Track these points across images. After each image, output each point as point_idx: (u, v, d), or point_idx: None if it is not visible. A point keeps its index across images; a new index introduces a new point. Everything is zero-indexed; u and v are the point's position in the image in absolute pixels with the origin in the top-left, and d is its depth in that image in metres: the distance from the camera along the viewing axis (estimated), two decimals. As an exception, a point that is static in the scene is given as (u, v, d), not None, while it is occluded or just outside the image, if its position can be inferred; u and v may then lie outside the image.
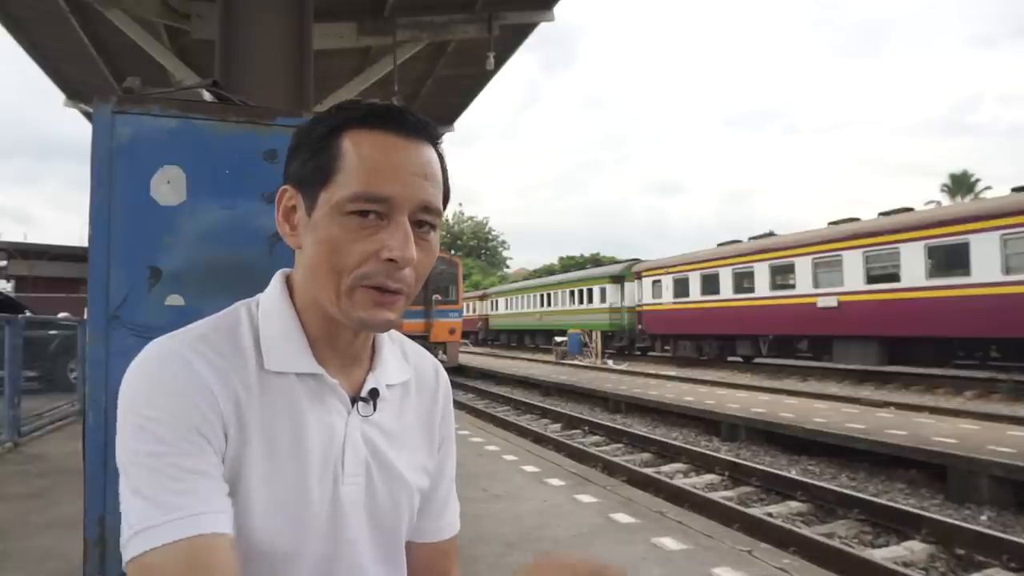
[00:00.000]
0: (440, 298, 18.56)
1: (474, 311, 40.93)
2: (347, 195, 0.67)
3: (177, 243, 1.81)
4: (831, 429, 7.58)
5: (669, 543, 3.61)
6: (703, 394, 11.41)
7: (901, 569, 4.09)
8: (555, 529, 3.91)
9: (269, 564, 0.68)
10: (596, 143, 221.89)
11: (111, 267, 1.77)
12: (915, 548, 4.62)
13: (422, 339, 17.48)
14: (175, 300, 1.80)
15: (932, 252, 13.47)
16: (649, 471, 7.06)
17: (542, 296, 32.42)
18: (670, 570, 3.25)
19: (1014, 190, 12.92)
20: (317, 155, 0.70)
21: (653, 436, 8.90)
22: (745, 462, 7.10)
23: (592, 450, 8.24)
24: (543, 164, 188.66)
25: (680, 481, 6.72)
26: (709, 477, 6.93)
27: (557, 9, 7.49)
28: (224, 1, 4.97)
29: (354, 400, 0.76)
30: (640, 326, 23.88)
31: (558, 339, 23.65)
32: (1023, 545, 4.29)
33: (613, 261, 40.58)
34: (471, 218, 68.58)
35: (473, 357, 25.33)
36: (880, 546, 4.82)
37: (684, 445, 8.25)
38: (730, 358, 19.91)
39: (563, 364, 20.50)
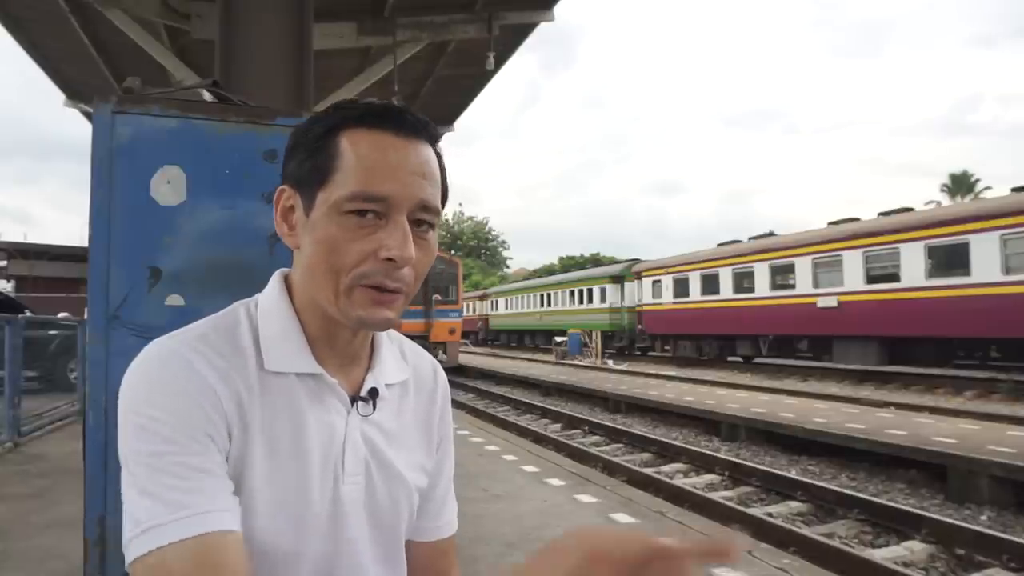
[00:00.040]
0: (440, 298, 18.56)
1: (474, 311, 40.93)
2: (345, 195, 0.67)
3: (177, 243, 1.81)
4: (831, 429, 7.58)
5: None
6: (703, 394, 11.41)
7: (901, 569, 4.09)
8: (555, 529, 3.90)
9: (270, 564, 0.68)
10: (596, 143, 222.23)
11: (111, 267, 1.77)
12: (915, 548, 4.62)
13: (422, 339, 17.47)
14: (175, 300, 1.80)
15: (932, 252, 13.47)
16: (649, 471, 7.06)
17: (542, 296, 32.42)
18: (670, 570, 3.24)
19: (1014, 190, 12.92)
20: (315, 155, 0.70)
21: (653, 436, 8.90)
22: (745, 462, 7.10)
23: (592, 450, 8.24)
24: (543, 164, 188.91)
25: (680, 481, 6.72)
26: (709, 477, 6.93)
27: (557, 9, 7.50)
28: (224, 1, 4.97)
29: (353, 400, 0.76)
30: (640, 326, 23.87)
31: (558, 339, 23.65)
32: (1023, 545, 4.29)
33: (613, 261, 40.57)
34: (471, 218, 68.64)
35: (473, 357, 25.33)
36: (880, 546, 4.82)
37: (684, 445, 8.25)
38: (730, 358, 19.91)
39: (563, 364, 20.50)
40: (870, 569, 4.11)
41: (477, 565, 3.23)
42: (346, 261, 0.67)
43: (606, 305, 26.14)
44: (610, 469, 7.05)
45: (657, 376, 15.31)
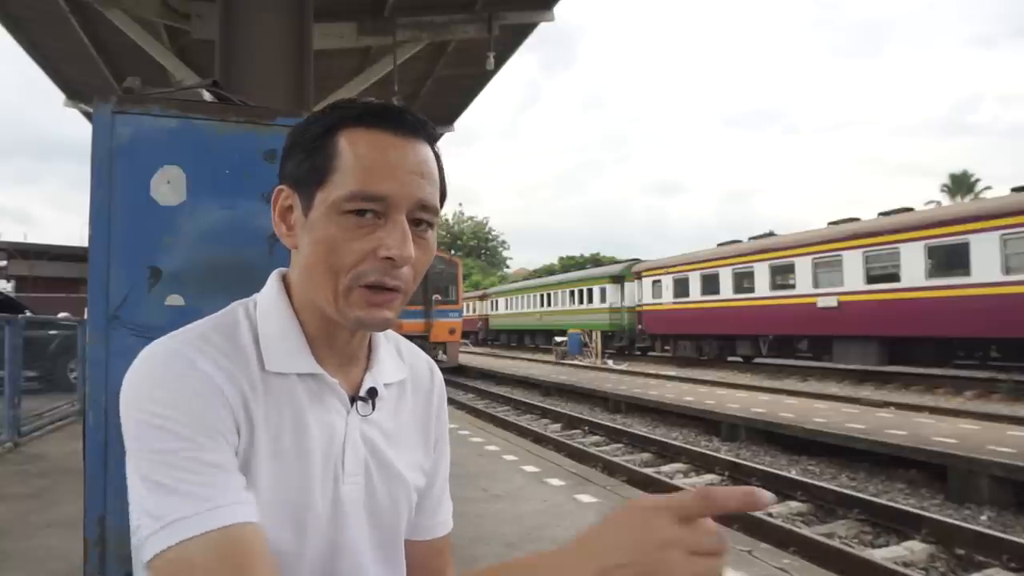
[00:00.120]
0: (440, 298, 18.56)
1: (474, 311, 40.92)
2: (344, 194, 0.67)
3: (177, 243, 1.81)
4: (831, 429, 7.58)
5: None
6: (703, 394, 11.41)
7: (901, 569, 4.09)
8: (555, 529, 3.91)
9: (270, 564, 0.68)
10: (596, 143, 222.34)
11: (111, 267, 1.77)
12: (915, 548, 4.62)
13: (422, 339, 17.48)
14: (175, 300, 1.80)
15: (932, 252, 13.47)
16: (649, 471, 7.06)
17: (542, 296, 32.42)
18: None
19: (1014, 190, 12.92)
20: (313, 155, 0.70)
21: (653, 436, 8.90)
22: (745, 462, 7.10)
23: (592, 450, 8.24)
24: (543, 164, 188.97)
25: (680, 481, 6.72)
26: (709, 477, 6.93)
27: (557, 9, 7.50)
28: (224, 1, 4.97)
29: (353, 399, 0.76)
30: (640, 326, 23.88)
31: (558, 339, 23.65)
32: (1023, 545, 4.29)
33: (613, 261, 40.57)
34: (471, 218, 68.66)
35: (473, 357, 25.33)
36: (880, 546, 4.82)
37: (684, 445, 8.25)
38: (730, 358, 19.91)
39: (563, 364, 20.50)
40: (870, 569, 4.11)
41: (477, 565, 3.23)
42: (345, 261, 0.67)
43: (606, 305, 26.14)
44: (610, 469, 7.05)
45: (657, 376, 15.31)
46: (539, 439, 8.91)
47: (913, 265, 13.78)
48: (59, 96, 9.64)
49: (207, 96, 2.08)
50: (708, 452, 7.69)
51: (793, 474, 6.71)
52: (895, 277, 14.22)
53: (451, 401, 13.81)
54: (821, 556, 4.20)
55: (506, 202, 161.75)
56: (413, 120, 0.71)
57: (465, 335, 32.60)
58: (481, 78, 9.20)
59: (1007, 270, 11.97)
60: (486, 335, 40.38)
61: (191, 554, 0.58)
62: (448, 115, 10.62)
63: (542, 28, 7.79)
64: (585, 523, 4.03)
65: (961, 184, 40.88)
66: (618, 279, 25.94)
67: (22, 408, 6.68)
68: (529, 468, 5.62)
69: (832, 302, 15.62)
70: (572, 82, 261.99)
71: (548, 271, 53.76)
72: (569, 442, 8.76)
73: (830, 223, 16.97)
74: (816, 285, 16.26)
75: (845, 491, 5.78)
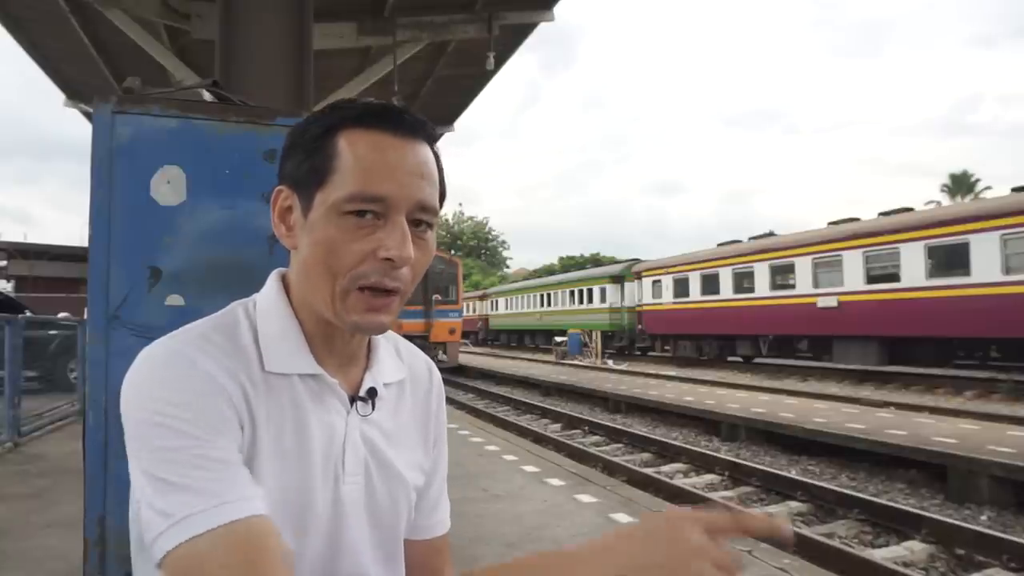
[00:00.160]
0: (440, 298, 18.57)
1: (474, 311, 40.93)
2: (343, 196, 0.67)
3: (177, 243, 1.81)
4: (831, 429, 7.58)
5: (669, 543, 3.60)
6: (703, 394, 11.41)
7: (901, 569, 4.09)
8: (555, 529, 3.91)
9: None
10: (596, 143, 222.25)
11: (111, 267, 1.77)
12: (915, 548, 4.62)
13: (422, 339, 17.48)
14: (175, 300, 1.80)
15: (932, 252, 13.47)
16: (649, 471, 7.06)
17: (542, 296, 32.42)
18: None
19: (1014, 190, 12.92)
20: (312, 155, 0.69)
21: (653, 436, 8.90)
22: (745, 462, 7.10)
23: (592, 450, 8.24)
24: (543, 164, 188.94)
25: (680, 481, 6.72)
26: (709, 477, 6.93)
27: (557, 9, 7.50)
28: (224, 1, 4.98)
29: (352, 399, 0.76)
30: (640, 326, 23.88)
31: (558, 339, 23.65)
32: (1023, 545, 4.29)
33: (613, 261, 40.57)
34: (471, 218, 68.66)
35: (473, 357, 25.32)
36: (880, 546, 4.82)
37: (684, 445, 8.25)
38: (730, 358, 19.91)
39: (563, 364, 20.50)
40: (870, 569, 4.11)
41: (477, 565, 3.23)
42: (344, 262, 0.67)
43: (606, 305, 26.14)
44: (610, 469, 7.05)
45: (657, 376, 15.31)
46: (539, 439, 8.91)
47: (913, 265, 13.78)
48: (59, 96, 9.65)
49: (207, 96, 2.08)
50: (708, 452, 7.69)
51: (793, 474, 6.70)
52: (895, 277, 14.23)
53: (451, 401, 13.82)
54: (821, 556, 4.20)
55: (506, 202, 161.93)
56: (412, 121, 0.71)
57: (465, 335, 32.61)
58: (481, 78, 9.20)
59: (1007, 270, 11.97)
60: (486, 335, 40.38)
61: (203, 549, 0.58)
62: (448, 115, 10.62)
63: (542, 28, 7.81)
64: (585, 523, 4.04)
65: (961, 184, 40.89)
66: (618, 279, 25.94)
67: (22, 408, 6.68)
68: (529, 468, 5.62)
69: (832, 302, 15.62)
70: (572, 82, 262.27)
71: (548, 271, 53.76)
72: (569, 442, 8.76)
73: (830, 223, 16.98)
74: (816, 285, 16.26)
75: (845, 491, 5.78)
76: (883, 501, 5.54)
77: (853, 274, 15.19)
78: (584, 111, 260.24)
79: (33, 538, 3.59)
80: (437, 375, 0.91)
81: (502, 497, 4.66)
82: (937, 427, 7.56)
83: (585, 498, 4.62)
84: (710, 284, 20.10)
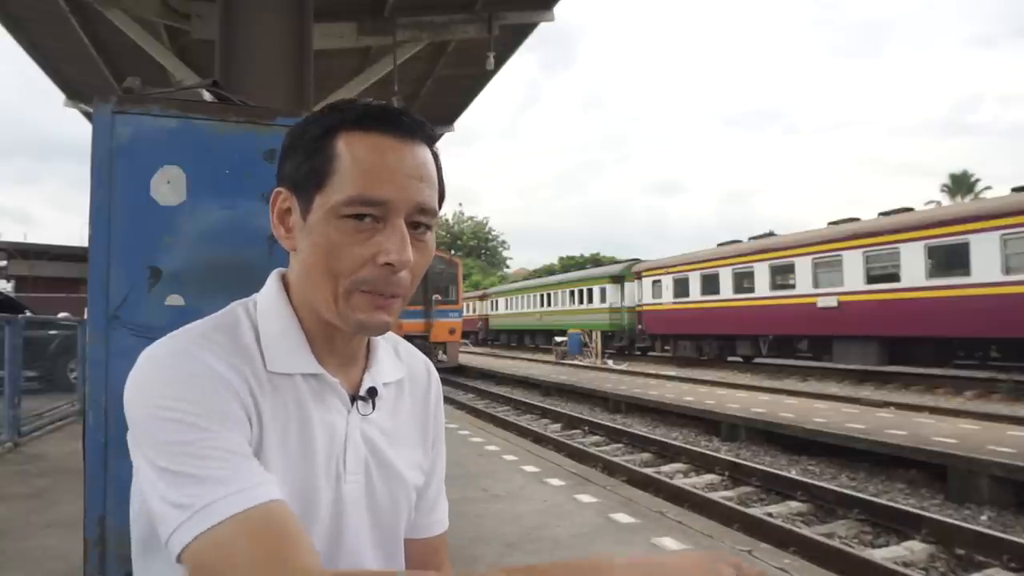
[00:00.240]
0: (440, 298, 18.57)
1: (474, 311, 40.93)
2: (343, 199, 0.67)
3: (177, 243, 1.81)
4: (831, 429, 7.58)
5: (669, 543, 3.61)
6: (703, 394, 11.41)
7: (901, 569, 4.09)
8: (555, 529, 3.91)
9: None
10: (596, 143, 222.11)
11: (111, 267, 1.77)
12: (915, 548, 4.62)
13: (422, 339, 17.48)
14: (175, 300, 1.80)
15: (932, 252, 13.47)
16: (649, 471, 7.06)
17: (542, 296, 32.42)
18: (670, 570, 3.24)
19: (1014, 190, 12.92)
20: (311, 157, 0.69)
21: (653, 436, 8.90)
22: (745, 462, 7.10)
23: (592, 450, 8.24)
24: (543, 164, 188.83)
25: (680, 481, 6.72)
26: (709, 477, 6.93)
27: (557, 9, 7.51)
28: (224, 1, 4.98)
29: (353, 399, 0.76)
30: (640, 326, 23.88)
31: (558, 339, 23.65)
32: (1023, 545, 4.29)
33: (613, 261, 40.57)
34: (471, 218, 68.64)
35: (473, 357, 25.33)
36: (880, 546, 4.82)
37: (684, 445, 8.25)
38: (730, 358, 19.90)
39: (563, 364, 20.50)
40: (870, 569, 4.11)
41: (477, 565, 3.23)
42: (344, 265, 0.67)
43: (606, 305, 26.14)
44: (610, 469, 7.05)
45: (657, 376, 15.31)
46: (539, 439, 8.91)
47: (913, 265, 13.78)
48: (59, 96, 9.65)
49: (207, 96, 2.08)
50: (708, 452, 7.69)
51: (793, 474, 6.70)
52: (895, 277, 14.23)
53: (451, 401, 13.82)
54: (821, 556, 4.20)
55: (506, 202, 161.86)
56: (411, 122, 0.70)
57: (465, 335, 32.61)
58: (481, 78, 9.20)
59: (1007, 270, 11.97)
60: (486, 335, 40.38)
61: (225, 538, 0.58)
62: (448, 115, 10.62)
63: (542, 28, 7.81)
64: (585, 523, 4.04)
65: (961, 184, 40.89)
66: (618, 279, 25.94)
67: (22, 408, 6.68)
68: (529, 468, 5.62)
69: (832, 302, 15.62)
70: (572, 82, 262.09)
71: (548, 271, 53.75)
72: (569, 442, 8.76)
73: (830, 223, 16.97)
74: (816, 285, 16.26)
75: (845, 491, 5.78)
76: (883, 501, 5.54)
77: (853, 274, 15.20)
78: (584, 111, 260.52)
79: (33, 538, 3.59)
80: (435, 375, 0.91)
81: (502, 497, 4.66)
82: (937, 427, 7.56)
83: (585, 498, 4.62)
84: (710, 284, 20.09)
